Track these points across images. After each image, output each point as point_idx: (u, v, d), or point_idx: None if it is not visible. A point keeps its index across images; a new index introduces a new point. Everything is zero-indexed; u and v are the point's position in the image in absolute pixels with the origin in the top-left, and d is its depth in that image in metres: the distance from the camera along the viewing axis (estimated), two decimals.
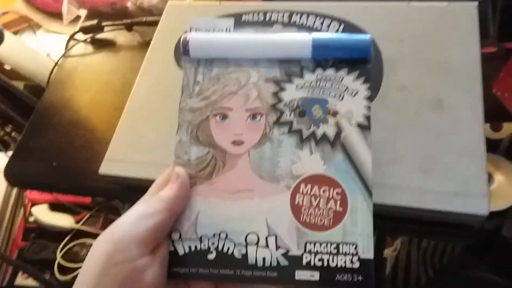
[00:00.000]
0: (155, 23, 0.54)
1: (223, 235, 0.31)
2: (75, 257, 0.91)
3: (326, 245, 0.30)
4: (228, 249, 0.30)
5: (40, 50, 0.79)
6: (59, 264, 0.91)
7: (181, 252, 0.31)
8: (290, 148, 0.32)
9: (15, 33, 0.86)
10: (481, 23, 0.42)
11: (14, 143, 0.86)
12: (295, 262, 0.30)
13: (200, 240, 0.31)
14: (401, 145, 0.37)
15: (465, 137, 0.36)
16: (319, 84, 0.34)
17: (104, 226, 0.93)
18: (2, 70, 0.76)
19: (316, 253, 0.30)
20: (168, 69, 0.48)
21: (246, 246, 0.30)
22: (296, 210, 0.31)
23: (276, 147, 0.32)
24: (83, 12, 0.76)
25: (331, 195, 0.31)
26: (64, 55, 0.65)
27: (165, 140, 0.34)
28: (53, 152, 0.53)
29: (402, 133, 0.38)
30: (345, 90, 0.33)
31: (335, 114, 0.33)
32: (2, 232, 0.99)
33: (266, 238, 0.30)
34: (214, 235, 0.31)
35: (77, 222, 0.96)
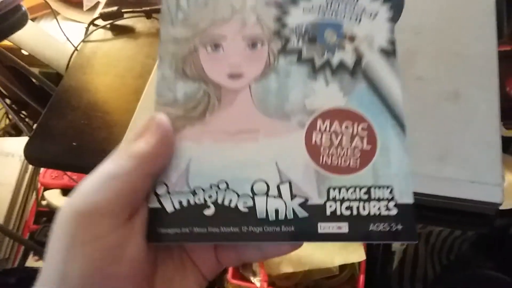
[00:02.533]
0: None
1: (222, 186, 0.24)
2: None
3: (354, 190, 0.24)
4: (230, 201, 0.24)
5: (58, 37, 0.78)
6: None
7: (169, 208, 0.24)
8: (301, 79, 0.26)
9: (34, 19, 0.84)
10: (496, 22, 0.42)
11: (28, 129, 0.86)
12: (317, 212, 0.23)
13: (194, 193, 0.24)
14: (417, 133, 0.36)
15: (480, 127, 0.37)
16: (331, 7, 0.28)
17: None
18: (19, 55, 0.75)
19: (342, 201, 0.24)
20: None
21: (253, 197, 0.24)
22: (313, 150, 0.25)
23: (284, 79, 0.26)
24: None
25: (355, 132, 0.25)
26: (84, 40, 0.64)
27: None
28: (72, 132, 0.54)
29: (419, 122, 0.37)
30: (362, 12, 0.28)
31: (352, 39, 0.27)
32: (14, 215, 0.98)
33: (278, 186, 0.24)
34: (211, 186, 0.24)
35: None
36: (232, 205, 0.24)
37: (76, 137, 0.53)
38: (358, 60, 0.26)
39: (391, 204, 0.23)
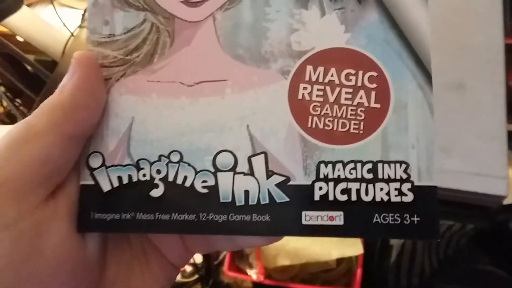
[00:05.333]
0: None
1: (175, 157, 0.18)
2: None
3: (355, 167, 0.17)
4: (185, 179, 0.18)
5: (54, 23, 0.75)
6: None
7: (106, 187, 0.18)
8: (286, 6, 0.18)
9: (29, 5, 0.81)
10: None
11: (22, 117, 0.79)
12: (302, 196, 0.17)
13: (137, 166, 0.18)
14: None
15: (485, 119, 0.37)
16: None
17: None
18: (14, 41, 0.72)
19: (337, 181, 0.17)
20: None
21: (215, 174, 0.18)
22: (299, 110, 0.18)
23: (262, 6, 0.19)
24: None
25: (360, 83, 0.18)
26: (80, 26, 0.62)
27: None
28: None
29: None
30: None
31: None
32: None
33: (249, 158, 0.18)
34: (160, 158, 0.18)
35: None
36: (187, 183, 0.18)
37: None
38: None
39: (406, 186, 0.17)
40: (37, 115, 0.17)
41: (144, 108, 0.18)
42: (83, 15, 0.64)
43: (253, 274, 0.56)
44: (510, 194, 0.39)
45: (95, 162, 0.18)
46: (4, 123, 1.02)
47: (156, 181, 0.18)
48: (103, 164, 0.18)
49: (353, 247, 0.53)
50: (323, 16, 0.18)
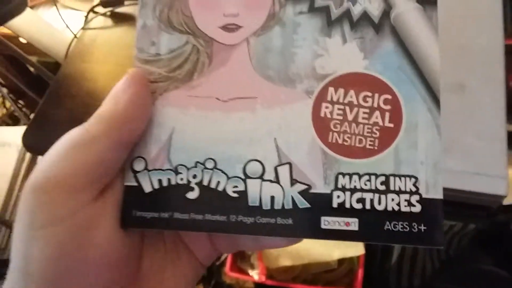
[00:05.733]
0: None
1: (209, 164, 0.20)
2: None
3: (369, 179, 0.19)
4: (218, 184, 0.20)
5: (57, 25, 0.76)
6: None
7: (147, 188, 0.20)
8: (311, 34, 0.21)
9: (33, 7, 0.82)
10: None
11: (25, 119, 0.85)
12: (321, 203, 0.19)
13: (176, 170, 0.20)
14: None
15: (486, 120, 0.37)
16: None
17: None
18: (18, 43, 0.74)
19: (353, 191, 0.19)
20: None
21: (244, 180, 0.20)
22: (321, 126, 0.20)
23: (291, 34, 0.21)
24: None
25: (376, 104, 0.20)
26: (83, 28, 0.63)
27: None
28: (70, 121, 0.59)
29: None
30: None
31: None
32: (11, 205, 0.94)
33: (276, 168, 0.20)
34: (196, 164, 0.20)
35: None
36: (220, 188, 0.20)
37: (75, 125, 0.55)
38: (387, 10, 0.21)
39: (415, 198, 0.19)
40: (94, 122, 0.19)
41: (184, 119, 0.21)
42: (86, 16, 0.64)
43: (255, 274, 0.56)
44: (510, 194, 0.40)
45: (138, 165, 0.21)
46: (7, 124, 1.02)
47: (192, 184, 0.20)
48: (145, 168, 0.21)
49: (354, 248, 0.53)
50: (344, 43, 0.21)
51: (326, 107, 0.20)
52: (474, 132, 0.37)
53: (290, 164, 0.20)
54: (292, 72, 0.21)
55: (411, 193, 0.19)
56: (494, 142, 0.36)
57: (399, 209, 0.19)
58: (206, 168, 0.20)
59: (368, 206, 0.19)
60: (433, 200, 0.19)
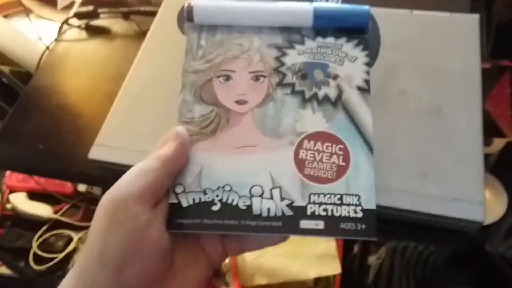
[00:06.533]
0: (152, 14, 0.52)
1: (227, 188, 0.31)
2: (51, 247, 0.88)
3: (330, 196, 0.30)
4: (233, 200, 0.31)
5: (31, 35, 0.76)
6: (34, 253, 0.88)
7: (185, 204, 0.31)
8: (293, 107, 0.33)
9: (6, 16, 0.82)
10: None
11: None
12: (300, 212, 0.30)
13: (204, 192, 0.31)
14: (399, 149, 0.38)
15: (463, 144, 0.37)
16: (320, 51, 0.35)
17: (83, 218, 0.91)
18: None
19: (320, 204, 0.30)
20: (165, 60, 0.47)
21: (250, 198, 0.30)
22: (300, 164, 0.31)
23: (280, 107, 0.33)
24: None
25: (334, 151, 0.32)
26: (56, 40, 0.62)
27: (158, 129, 0.32)
28: (39, 135, 0.52)
29: (401, 137, 0.38)
30: (344, 56, 0.35)
31: (335, 77, 0.34)
32: None
33: (271, 190, 0.31)
34: (218, 188, 0.31)
35: (56, 212, 0.92)
36: (234, 203, 0.31)
37: (43, 140, 0.51)
38: (339, 94, 0.33)
39: (358, 208, 0.30)
40: (154, 160, 0.29)
41: (210, 159, 0.32)
42: (60, 28, 0.63)
43: None
44: (487, 214, 0.38)
45: (178, 189, 0.31)
46: None
47: (215, 201, 0.31)
48: (183, 191, 0.31)
49: (330, 266, 0.54)
50: (314, 113, 0.33)
51: (303, 152, 0.32)
52: (451, 157, 0.36)
53: (280, 187, 0.31)
54: (280, 130, 0.32)
55: (356, 205, 0.30)
56: (471, 167, 0.36)
57: (349, 215, 0.30)
58: (224, 190, 0.31)
59: (330, 213, 0.30)
60: (369, 210, 0.30)
